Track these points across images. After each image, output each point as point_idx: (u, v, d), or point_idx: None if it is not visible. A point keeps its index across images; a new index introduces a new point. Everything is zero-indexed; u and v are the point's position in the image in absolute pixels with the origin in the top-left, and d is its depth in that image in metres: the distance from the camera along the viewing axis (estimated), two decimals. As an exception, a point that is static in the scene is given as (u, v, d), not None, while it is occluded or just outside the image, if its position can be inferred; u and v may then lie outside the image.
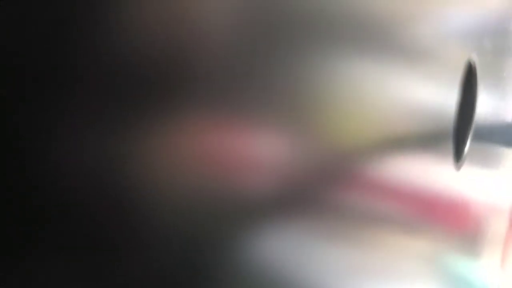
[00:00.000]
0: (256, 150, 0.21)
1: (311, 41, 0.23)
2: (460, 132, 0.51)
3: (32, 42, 0.12)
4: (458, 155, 0.49)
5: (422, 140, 0.40)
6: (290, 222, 0.24)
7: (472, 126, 0.52)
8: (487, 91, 0.57)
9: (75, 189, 0.13)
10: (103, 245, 0.14)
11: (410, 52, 0.35)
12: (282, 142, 0.23)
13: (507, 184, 0.80)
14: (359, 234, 0.32)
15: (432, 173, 0.44)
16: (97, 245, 0.14)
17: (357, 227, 0.32)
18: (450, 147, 0.47)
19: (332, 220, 0.28)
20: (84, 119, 0.13)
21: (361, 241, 0.33)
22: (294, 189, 0.24)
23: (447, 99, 0.44)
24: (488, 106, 0.59)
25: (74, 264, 0.14)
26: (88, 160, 0.14)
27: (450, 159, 0.48)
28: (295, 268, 0.25)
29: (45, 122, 0.12)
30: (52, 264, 0.13)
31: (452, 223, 0.53)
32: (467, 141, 0.51)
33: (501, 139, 0.67)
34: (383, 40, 0.30)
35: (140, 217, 0.16)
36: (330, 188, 0.27)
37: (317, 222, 0.27)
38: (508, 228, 0.87)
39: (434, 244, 0.49)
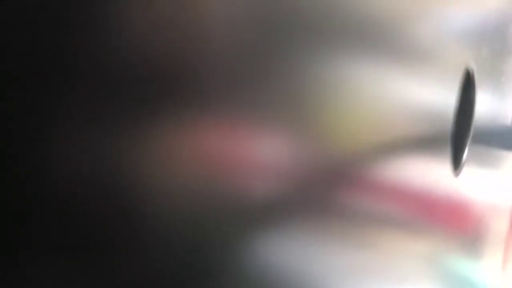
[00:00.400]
0: (257, 151, 0.21)
1: (312, 42, 0.23)
2: (458, 140, 0.51)
3: (32, 43, 0.12)
4: (456, 162, 0.49)
5: (423, 142, 0.40)
6: (291, 223, 0.24)
7: (470, 134, 0.52)
8: (486, 94, 0.57)
9: (77, 190, 0.14)
10: (105, 245, 0.15)
11: (411, 54, 0.35)
12: (284, 144, 0.23)
13: (508, 185, 0.80)
14: (361, 235, 0.32)
15: (433, 174, 0.44)
16: (98, 246, 0.14)
17: (359, 229, 0.32)
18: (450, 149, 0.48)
19: (334, 221, 0.28)
20: (85, 120, 0.13)
21: (363, 243, 0.33)
22: (295, 190, 0.24)
23: (448, 100, 0.44)
24: (487, 110, 0.60)
25: (74, 264, 0.14)
26: (90, 160, 0.14)
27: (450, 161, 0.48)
28: (297, 268, 0.25)
29: (46, 122, 0.13)
30: (52, 264, 0.13)
31: (453, 224, 0.54)
32: (465, 148, 0.52)
33: (500, 142, 0.67)
34: (384, 41, 0.31)
35: (142, 218, 0.16)
36: (331, 190, 0.28)
37: (319, 224, 0.27)
38: (509, 229, 0.87)
39: (436, 245, 0.49)
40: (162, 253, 0.17)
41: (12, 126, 0.12)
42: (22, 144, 0.12)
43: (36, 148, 0.12)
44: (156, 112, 0.16)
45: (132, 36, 0.14)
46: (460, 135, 0.51)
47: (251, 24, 0.19)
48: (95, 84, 0.14)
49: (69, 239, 0.14)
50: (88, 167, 0.14)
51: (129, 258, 0.15)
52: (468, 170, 0.54)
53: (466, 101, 0.51)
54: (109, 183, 0.14)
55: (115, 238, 0.15)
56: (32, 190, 0.12)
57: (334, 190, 0.28)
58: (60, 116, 0.13)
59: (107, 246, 0.15)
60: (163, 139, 0.16)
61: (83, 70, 0.13)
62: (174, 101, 0.16)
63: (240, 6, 0.19)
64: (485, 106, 0.58)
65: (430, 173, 0.43)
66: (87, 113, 0.13)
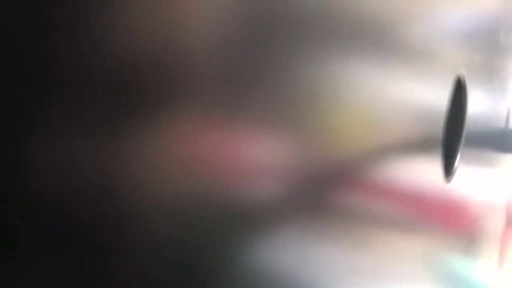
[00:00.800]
0: (254, 153, 0.21)
1: (309, 42, 0.23)
2: (449, 147, 0.51)
3: (24, 43, 0.12)
4: (447, 169, 0.49)
5: (419, 142, 0.40)
6: (289, 224, 0.24)
7: (461, 141, 0.52)
8: (479, 98, 0.57)
9: (68, 192, 0.14)
10: (94, 248, 0.15)
11: (408, 56, 0.35)
12: (280, 146, 0.23)
13: (502, 183, 0.80)
14: (359, 236, 0.32)
15: (429, 175, 0.44)
16: (87, 248, 0.15)
17: (356, 229, 0.32)
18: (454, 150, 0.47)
19: (332, 222, 0.28)
20: (75, 121, 0.14)
21: (361, 243, 0.33)
22: (292, 191, 0.24)
23: (444, 101, 0.44)
24: (481, 113, 0.60)
25: (65, 266, 0.14)
26: (81, 161, 0.14)
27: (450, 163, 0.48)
28: (295, 269, 0.26)
29: (34, 124, 0.13)
30: (39, 266, 0.13)
31: (449, 223, 0.53)
32: (457, 156, 0.52)
33: (494, 144, 0.68)
34: (382, 42, 0.30)
35: (136, 220, 0.16)
36: (329, 191, 0.28)
37: (317, 224, 0.27)
38: (505, 227, 0.88)
39: (432, 244, 0.49)
40: (157, 255, 0.17)
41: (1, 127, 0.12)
42: (11, 144, 0.12)
43: (24, 149, 0.13)
44: (151, 113, 0.16)
45: (121, 36, 0.14)
46: (451, 143, 0.52)
47: (247, 24, 0.19)
48: (87, 86, 0.14)
49: (61, 241, 0.14)
50: (81, 169, 0.14)
51: (122, 261, 0.16)
52: (463, 169, 0.54)
53: (457, 108, 0.51)
54: (104, 186, 0.15)
55: (108, 241, 0.15)
56: (18, 190, 0.13)
57: (332, 191, 0.28)
58: (49, 117, 0.13)
59: (98, 250, 0.15)
60: (157, 140, 0.16)
61: (76, 71, 0.13)
62: (171, 101, 0.16)
63: (236, 6, 0.18)
64: (479, 109, 0.58)
65: (426, 173, 0.43)
66: (77, 114, 0.14)
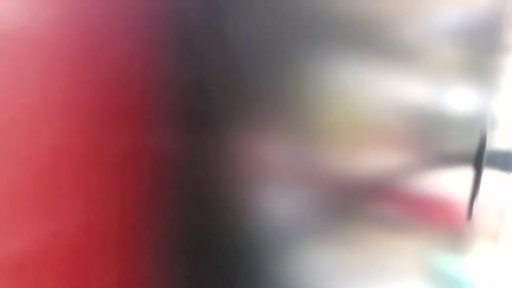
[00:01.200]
0: (270, 156, 0.21)
1: (312, 43, 0.23)
2: (473, 194, 0.54)
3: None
4: (470, 212, 0.52)
5: (421, 145, 0.41)
6: (302, 230, 0.25)
7: (479, 190, 0.54)
8: (469, 94, 0.57)
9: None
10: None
11: (408, 55, 0.34)
12: (305, 154, 0.23)
13: (498, 184, 0.81)
14: (362, 236, 0.32)
15: (429, 179, 0.44)
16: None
17: (362, 231, 0.32)
18: (443, 149, 0.47)
19: (338, 225, 0.29)
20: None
21: (363, 243, 0.33)
22: (318, 199, 0.25)
23: (441, 98, 0.44)
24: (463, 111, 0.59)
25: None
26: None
27: (440, 161, 0.48)
28: (302, 270, 0.26)
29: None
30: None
31: (444, 221, 0.54)
32: (476, 201, 0.55)
33: (499, 165, 0.71)
34: (390, 44, 0.30)
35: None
36: (344, 198, 0.28)
37: (328, 229, 0.27)
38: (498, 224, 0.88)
39: (428, 242, 0.49)
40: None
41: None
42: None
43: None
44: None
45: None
46: (475, 189, 0.54)
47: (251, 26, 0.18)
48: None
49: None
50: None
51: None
52: (460, 170, 0.55)
53: (478, 164, 0.53)
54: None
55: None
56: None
57: (344, 198, 0.29)
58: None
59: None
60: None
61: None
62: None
63: (237, 9, 0.18)
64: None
65: (424, 175, 0.43)
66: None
